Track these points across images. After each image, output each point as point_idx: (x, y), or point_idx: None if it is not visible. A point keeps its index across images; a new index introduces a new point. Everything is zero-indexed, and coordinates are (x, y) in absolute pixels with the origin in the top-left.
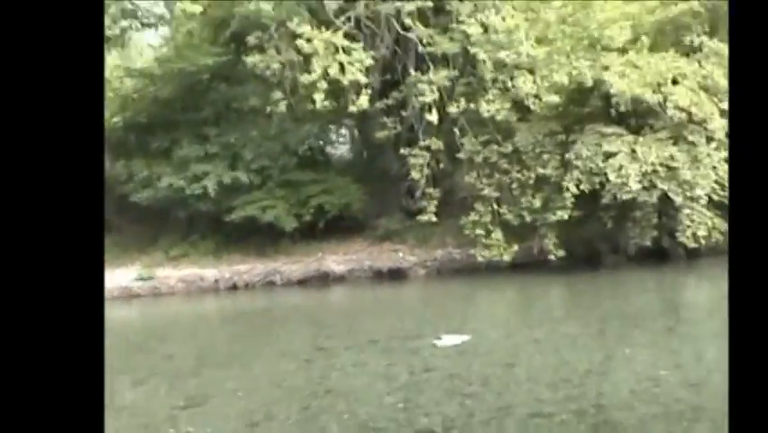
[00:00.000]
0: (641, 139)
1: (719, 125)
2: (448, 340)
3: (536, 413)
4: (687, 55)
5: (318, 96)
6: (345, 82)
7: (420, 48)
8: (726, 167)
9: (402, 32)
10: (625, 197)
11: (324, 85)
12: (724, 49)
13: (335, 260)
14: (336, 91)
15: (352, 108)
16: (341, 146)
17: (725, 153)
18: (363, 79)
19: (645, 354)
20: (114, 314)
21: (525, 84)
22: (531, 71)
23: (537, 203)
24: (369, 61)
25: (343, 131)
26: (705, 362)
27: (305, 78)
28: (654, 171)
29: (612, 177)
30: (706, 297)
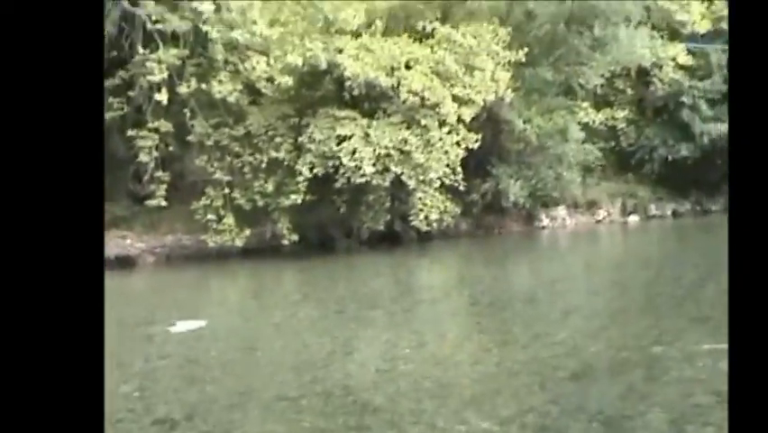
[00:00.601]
0: (374, 122)
1: (451, 109)
2: (183, 326)
3: (281, 397)
4: (420, 40)
5: None
6: None
7: (149, 25)
8: (457, 150)
9: (130, 8)
10: (358, 180)
11: None
12: (455, 35)
13: None
14: None
15: None
16: None
17: (456, 137)
18: None
19: (388, 334)
20: None
21: (258, 65)
22: (264, 53)
23: (270, 187)
24: None
25: None
26: (447, 339)
27: None
28: (388, 155)
29: (346, 160)
30: (440, 278)
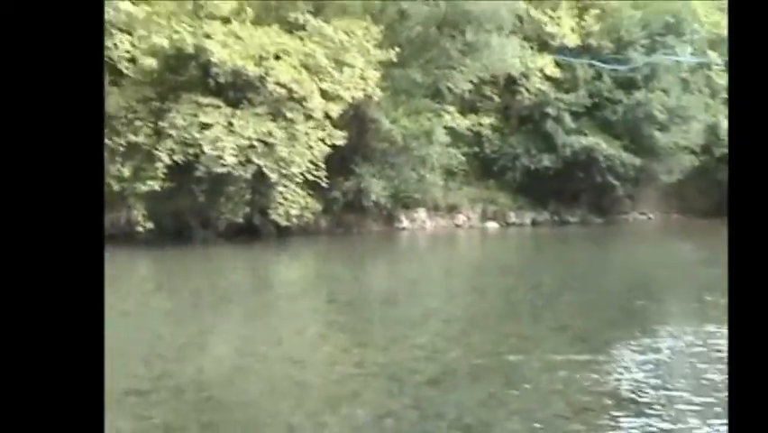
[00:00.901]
0: (239, 112)
1: (318, 104)
2: None
3: (130, 390)
4: (290, 32)
5: None
6: None
7: None
8: (322, 146)
9: None
10: (219, 170)
11: None
12: (327, 29)
13: None
14: None
15: None
16: None
17: (322, 133)
18: None
19: (244, 329)
20: None
21: (120, 44)
22: (128, 32)
23: (127, 172)
24: None
25: None
26: (306, 338)
27: None
28: (251, 146)
29: (207, 149)
30: (298, 275)
